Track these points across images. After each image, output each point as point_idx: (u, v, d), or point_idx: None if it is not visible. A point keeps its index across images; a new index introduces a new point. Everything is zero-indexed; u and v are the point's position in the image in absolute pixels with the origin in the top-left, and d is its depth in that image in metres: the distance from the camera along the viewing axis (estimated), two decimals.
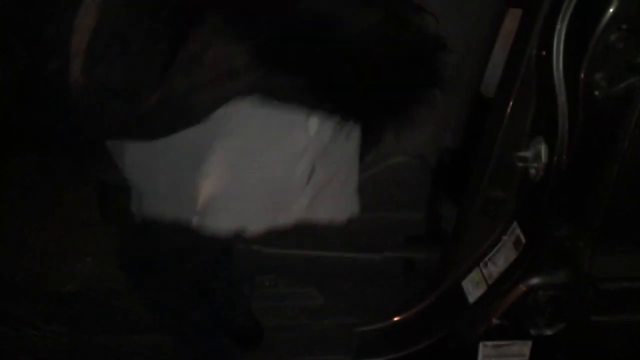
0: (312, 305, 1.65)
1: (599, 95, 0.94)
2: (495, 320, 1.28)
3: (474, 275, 1.33)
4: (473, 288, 1.33)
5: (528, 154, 1.14)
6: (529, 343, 1.28)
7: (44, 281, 1.70)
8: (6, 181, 1.77)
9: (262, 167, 1.09)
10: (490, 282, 1.29)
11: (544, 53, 1.05)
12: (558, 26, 1.01)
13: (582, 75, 0.94)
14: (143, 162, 1.16)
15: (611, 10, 0.91)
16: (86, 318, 1.57)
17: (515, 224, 1.24)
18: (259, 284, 1.68)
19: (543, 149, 1.10)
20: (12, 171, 1.78)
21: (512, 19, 1.35)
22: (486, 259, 1.31)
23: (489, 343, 1.30)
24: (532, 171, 1.13)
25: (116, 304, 1.63)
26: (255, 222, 1.17)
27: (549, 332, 1.25)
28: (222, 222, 1.11)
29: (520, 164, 1.15)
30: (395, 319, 1.42)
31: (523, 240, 1.22)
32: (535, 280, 1.24)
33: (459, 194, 1.41)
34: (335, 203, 1.24)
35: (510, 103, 1.19)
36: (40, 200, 1.83)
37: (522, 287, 1.25)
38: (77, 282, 1.71)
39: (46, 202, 1.83)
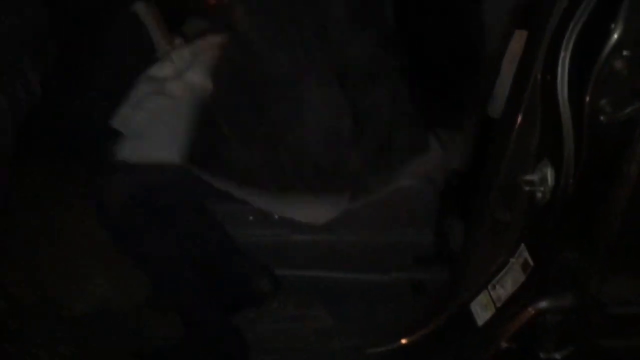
0: (320, 326, 1.65)
1: (604, 121, 0.94)
2: (504, 344, 1.27)
3: (482, 297, 1.32)
4: (481, 310, 1.32)
5: (534, 177, 1.13)
6: None
7: (55, 302, 1.71)
8: (18, 202, 1.80)
9: None
10: (498, 304, 1.28)
11: (548, 77, 1.05)
12: (562, 50, 1.01)
13: (587, 101, 0.94)
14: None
15: (615, 36, 0.91)
16: (96, 341, 1.58)
17: (522, 246, 1.23)
18: (267, 305, 1.68)
19: (549, 173, 1.09)
20: (24, 192, 1.81)
21: (518, 41, 1.35)
22: (494, 281, 1.30)
23: None
24: (539, 194, 1.13)
25: (127, 327, 1.64)
26: None
27: (557, 356, 1.23)
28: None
29: (527, 188, 1.14)
30: (403, 341, 1.41)
31: (531, 263, 1.21)
32: (543, 304, 1.23)
33: (467, 215, 1.41)
34: None
35: (516, 125, 1.19)
36: (51, 221, 1.85)
37: (530, 310, 1.24)
38: (87, 303, 1.72)
39: (56, 222, 1.85)
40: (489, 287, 1.31)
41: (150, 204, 1.43)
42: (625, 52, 0.91)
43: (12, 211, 1.77)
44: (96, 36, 1.66)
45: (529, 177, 1.14)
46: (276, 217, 1.49)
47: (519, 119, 1.18)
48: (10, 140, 1.24)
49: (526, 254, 1.23)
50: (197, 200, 1.54)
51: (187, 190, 1.50)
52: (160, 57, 1.66)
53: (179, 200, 1.54)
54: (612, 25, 0.92)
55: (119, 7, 1.68)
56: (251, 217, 1.52)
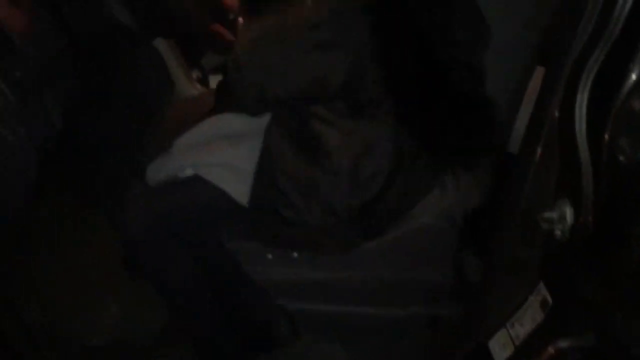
0: None
1: (623, 161, 0.93)
2: None
3: (501, 335, 1.30)
4: (500, 349, 1.29)
5: (553, 214, 1.12)
6: None
7: (69, 333, 1.71)
8: (35, 233, 1.81)
9: None
10: (517, 343, 1.26)
11: (566, 115, 1.04)
12: (580, 88, 1.00)
13: (606, 141, 0.93)
14: None
15: (634, 76, 0.90)
16: None
17: (541, 284, 1.21)
18: (283, 339, 1.67)
19: (568, 211, 1.08)
20: (39, 221, 1.82)
21: (538, 77, 1.35)
22: (513, 319, 1.28)
23: None
24: (558, 232, 1.11)
25: (142, 358, 1.64)
26: None
27: None
28: None
29: (545, 225, 1.13)
30: None
31: (550, 301, 1.19)
32: (563, 343, 1.20)
33: (484, 251, 1.39)
34: None
35: (534, 162, 1.18)
36: (66, 251, 1.86)
37: (550, 350, 1.21)
38: (103, 334, 1.72)
39: (72, 252, 1.86)
40: (508, 324, 1.29)
41: (175, 229, 1.44)
42: None
43: (29, 241, 1.79)
44: (117, 69, 1.70)
45: (547, 215, 1.13)
46: (295, 255, 1.49)
47: (537, 156, 1.17)
48: (32, 174, 1.25)
49: (545, 292, 1.21)
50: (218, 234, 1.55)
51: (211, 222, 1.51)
52: None
53: (202, 230, 1.55)
54: (631, 65, 0.92)
55: (140, 42, 1.71)
56: (270, 256, 1.52)
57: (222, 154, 1.46)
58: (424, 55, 1.30)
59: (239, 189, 1.44)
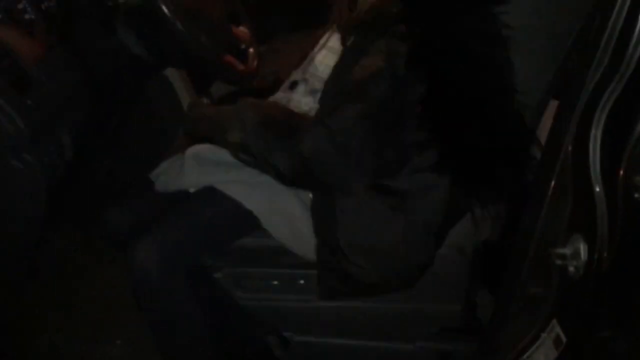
0: None
1: (638, 198, 0.92)
2: None
3: None
4: None
5: (566, 251, 1.10)
6: None
7: None
8: (41, 263, 1.81)
9: None
10: None
11: (579, 151, 1.03)
12: (594, 123, 1.00)
13: (620, 178, 0.92)
14: None
15: None
16: None
17: (554, 321, 1.19)
18: None
19: (582, 247, 1.06)
20: (48, 253, 1.82)
21: (551, 110, 1.35)
22: (525, 356, 1.25)
23: None
24: (572, 269, 1.10)
25: None
26: None
27: None
28: None
29: (559, 261, 1.11)
30: None
31: (563, 339, 1.17)
32: None
33: (497, 285, 1.37)
34: None
35: (547, 196, 1.17)
36: (72, 282, 1.85)
37: None
38: None
39: (78, 284, 1.86)
40: None
41: (186, 264, 1.42)
42: None
43: (37, 272, 1.78)
44: (129, 101, 1.70)
45: (560, 251, 1.11)
46: (302, 282, 1.47)
47: (550, 190, 1.16)
48: (42, 205, 1.25)
49: (558, 329, 1.18)
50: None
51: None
52: None
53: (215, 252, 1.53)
54: None
55: (152, 73, 1.72)
56: (276, 282, 1.50)
57: (237, 173, 1.44)
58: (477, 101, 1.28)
59: (258, 204, 1.42)
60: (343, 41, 1.45)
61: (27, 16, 1.38)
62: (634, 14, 0.92)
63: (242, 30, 1.82)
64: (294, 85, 1.55)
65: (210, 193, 1.44)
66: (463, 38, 1.24)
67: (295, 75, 1.58)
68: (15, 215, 1.27)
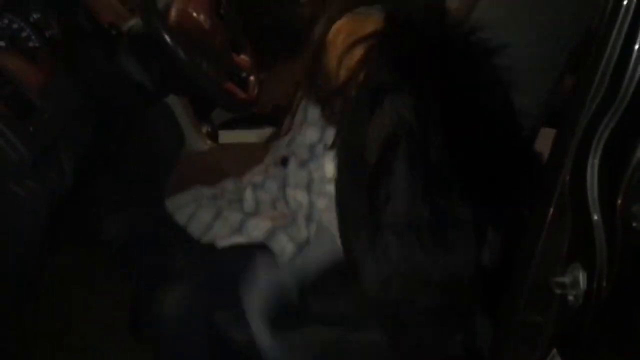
0: None
1: (637, 227, 0.92)
2: None
3: None
4: None
5: (565, 279, 1.10)
6: None
7: None
8: (41, 288, 1.80)
9: None
10: None
11: (577, 179, 1.04)
12: (592, 152, 1.00)
13: (618, 207, 0.92)
14: None
15: None
16: None
17: (554, 351, 1.18)
18: None
19: (581, 276, 1.06)
20: (48, 278, 1.81)
21: (546, 138, 1.36)
22: None
23: None
24: (571, 298, 1.09)
25: None
26: None
27: None
28: None
29: (558, 290, 1.11)
30: None
31: None
32: None
33: (496, 313, 1.37)
34: None
35: (546, 224, 1.17)
36: (72, 308, 1.84)
37: None
38: None
39: (77, 310, 1.85)
40: None
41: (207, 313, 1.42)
42: None
43: (37, 297, 1.78)
44: (130, 128, 1.72)
45: (559, 280, 1.11)
46: None
47: (549, 218, 1.16)
48: (42, 230, 1.25)
49: (559, 359, 1.18)
50: None
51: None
52: None
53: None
54: None
55: (153, 100, 1.74)
56: None
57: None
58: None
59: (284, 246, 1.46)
60: (325, 113, 1.46)
61: (31, 44, 1.40)
62: (629, 48, 0.93)
63: (243, 58, 1.84)
64: (285, 162, 1.58)
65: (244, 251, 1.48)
66: (468, 95, 1.26)
67: (281, 149, 1.61)
68: (16, 241, 1.27)
